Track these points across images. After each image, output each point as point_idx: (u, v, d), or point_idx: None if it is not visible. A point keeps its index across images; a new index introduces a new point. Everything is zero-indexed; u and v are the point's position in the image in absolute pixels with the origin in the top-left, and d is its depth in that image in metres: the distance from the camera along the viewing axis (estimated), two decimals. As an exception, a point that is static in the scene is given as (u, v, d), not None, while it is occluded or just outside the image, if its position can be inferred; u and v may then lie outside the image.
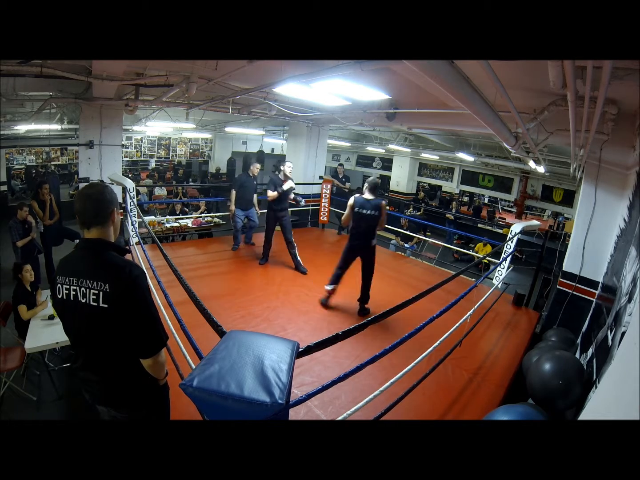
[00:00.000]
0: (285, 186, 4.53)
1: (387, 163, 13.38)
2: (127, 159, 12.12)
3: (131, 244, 4.79)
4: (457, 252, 8.07)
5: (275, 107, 4.71)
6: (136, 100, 4.31)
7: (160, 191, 10.45)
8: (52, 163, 11.32)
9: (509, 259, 4.68)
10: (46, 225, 4.98)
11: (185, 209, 7.82)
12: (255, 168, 5.30)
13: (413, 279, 5.11)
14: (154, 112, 6.60)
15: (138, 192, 7.77)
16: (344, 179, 7.86)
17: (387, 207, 4.23)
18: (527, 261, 7.75)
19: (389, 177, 12.84)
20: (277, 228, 4.82)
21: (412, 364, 2.10)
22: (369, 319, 1.62)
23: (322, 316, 3.64)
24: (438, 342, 2.37)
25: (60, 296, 1.30)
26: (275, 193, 4.52)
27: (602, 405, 1.63)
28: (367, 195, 3.58)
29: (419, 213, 10.31)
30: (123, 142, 7.65)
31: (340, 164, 9.23)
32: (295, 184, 4.94)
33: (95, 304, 1.23)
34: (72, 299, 1.27)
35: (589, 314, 3.56)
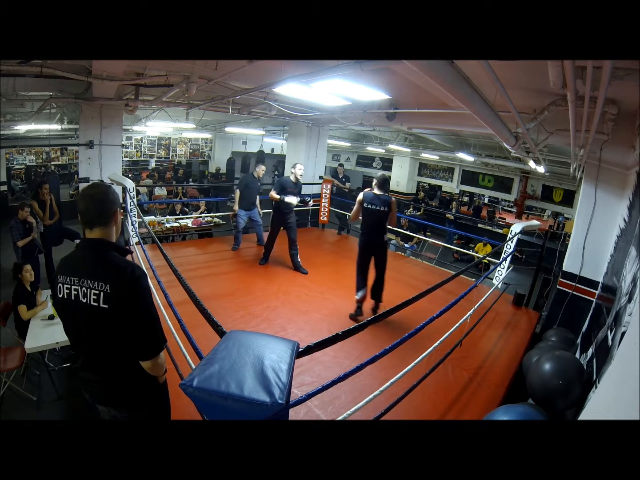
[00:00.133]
0: (287, 199, 4.50)
1: (387, 163, 13.37)
2: (127, 159, 12.11)
3: (131, 244, 4.79)
4: (457, 252, 8.06)
5: (275, 107, 4.71)
6: (136, 100, 4.30)
7: (160, 191, 10.45)
8: (52, 163, 11.31)
9: (509, 259, 4.68)
10: (46, 225, 4.98)
11: (185, 209, 7.82)
12: (261, 170, 5.33)
13: (413, 279, 5.11)
14: (154, 112, 6.60)
15: (138, 192, 7.78)
16: (344, 179, 7.87)
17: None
18: (527, 261, 7.75)
19: (389, 177, 12.83)
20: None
21: (412, 364, 2.10)
22: (369, 319, 1.62)
23: (322, 316, 3.64)
24: (438, 342, 2.37)
25: (61, 295, 1.30)
26: (277, 197, 4.52)
27: (602, 405, 1.63)
28: (377, 191, 3.54)
29: (419, 213, 10.32)
30: (123, 142, 7.66)
31: (340, 164, 9.23)
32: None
33: (96, 304, 1.23)
34: (72, 298, 1.27)
35: (589, 314, 3.56)
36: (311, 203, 4.99)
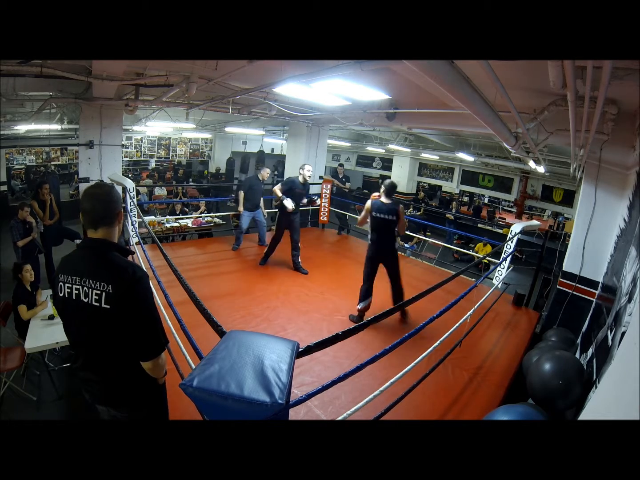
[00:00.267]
0: (286, 202, 4.46)
1: (387, 163, 13.39)
2: (127, 159, 12.11)
3: (131, 244, 4.79)
4: (457, 252, 8.07)
5: (275, 107, 4.71)
6: (136, 100, 4.31)
7: (160, 191, 10.45)
8: (52, 163, 11.30)
9: (509, 259, 4.68)
10: (46, 225, 4.98)
11: (185, 209, 7.82)
12: (266, 173, 5.37)
13: (413, 279, 5.10)
14: (154, 112, 6.60)
15: (138, 192, 7.78)
16: (344, 179, 7.87)
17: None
18: (527, 261, 7.75)
19: (389, 177, 12.82)
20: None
21: (412, 364, 2.10)
22: (369, 319, 1.62)
23: (322, 316, 3.64)
24: (438, 342, 2.37)
25: (62, 294, 1.30)
26: (280, 194, 4.49)
27: (602, 405, 1.63)
28: (384, 199, 3.48)
29: (419, 213, 10.32)
30: (123, 142, 7.65)
31: (340, 164, 9.23)
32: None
33: (98, 304, 1.23)
34: (74, 298, 1.27)
35: (589, 314, 3.56)
36: (319, 202, 4.97)
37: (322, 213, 7.18)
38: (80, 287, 1.25)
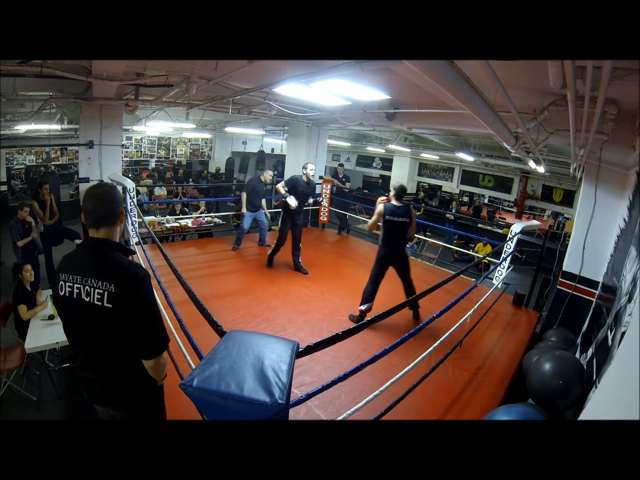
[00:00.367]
0: (289, 199, 4.44)
1: (387, 163, 13.38)
2: (127, 159, 12.11)
3: (131, 243, 4.79)
4: (457, 252, 8.06)
5: (275, 107, 4.71)
6: (136, 100, 4.31)
7: (160, 191, 10.45)
8: (52, 163, 11.29)
9: (509, 259, 4.68)
10: (46, 225, 4.98)
11: (185, 209, 7.82)
12: (269, 175, 5.44)
13: (413, 279, 5.09)
14: (154, 112, 6.60)
15: (138, 192, 7.79)
16: (344, 179, 7.87)
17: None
18: (527, 261, 7.75)
19: (389, 177, 12.85)
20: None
21: (412, 364, 2.10)
22: (369, 319, 1.62)
23: (322, 316, 3.64)
24: (438, 342, 2.37)
25: (62, 293, 1.29)
26: (283, 192, 4.46)
27: (602, 405, 1.63)
28: (395, 202, 3.47)
29: (418, 213, 10.28)
30: (123, 142, 7.65)
31: (341, 164, 9.24)
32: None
33: (100, 303, 1.23)
34: (75, 297, 1.27)
35: (589, 314, 3.56)
36: (323, 202, 4.99)
37: (322, 213, 7.18)
38: (82, 286, 1.25)
